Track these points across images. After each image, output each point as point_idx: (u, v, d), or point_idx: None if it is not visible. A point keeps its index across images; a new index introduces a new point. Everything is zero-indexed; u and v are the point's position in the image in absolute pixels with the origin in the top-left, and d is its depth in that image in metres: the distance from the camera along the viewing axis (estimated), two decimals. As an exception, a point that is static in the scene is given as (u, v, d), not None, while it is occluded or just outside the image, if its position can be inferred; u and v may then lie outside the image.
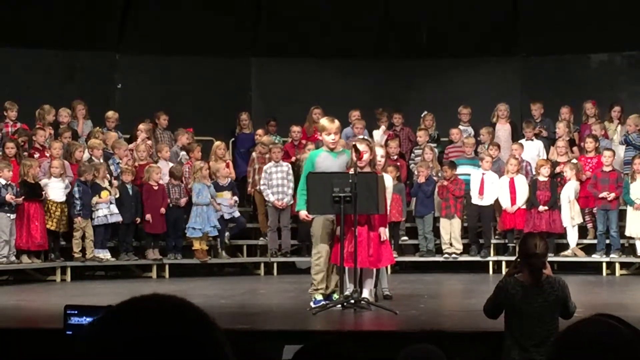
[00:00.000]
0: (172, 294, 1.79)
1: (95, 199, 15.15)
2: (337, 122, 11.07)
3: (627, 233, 15.62)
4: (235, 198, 16.30)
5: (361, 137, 13.56)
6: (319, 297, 10.66)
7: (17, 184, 14.50)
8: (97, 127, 16.63)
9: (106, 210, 15.26)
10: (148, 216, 15.61)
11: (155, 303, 1.76)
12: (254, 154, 16.99)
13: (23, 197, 14.45)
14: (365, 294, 10.64)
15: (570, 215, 15.75)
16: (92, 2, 18.07)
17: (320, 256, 10.70)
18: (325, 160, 10.80)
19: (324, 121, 11.18)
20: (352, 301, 10.27)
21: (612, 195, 15.55)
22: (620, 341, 2.35)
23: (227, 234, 16.27)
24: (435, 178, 16.37)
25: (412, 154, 17.25)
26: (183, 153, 16.82)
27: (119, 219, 15.34)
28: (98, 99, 17.60)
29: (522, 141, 16.94)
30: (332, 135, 10.86)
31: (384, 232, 10.78)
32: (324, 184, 10.24)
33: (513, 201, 16.01)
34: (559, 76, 18.83)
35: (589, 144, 16.24)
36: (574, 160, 16.29)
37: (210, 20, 18.63)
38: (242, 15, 19.17)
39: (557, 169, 16.23)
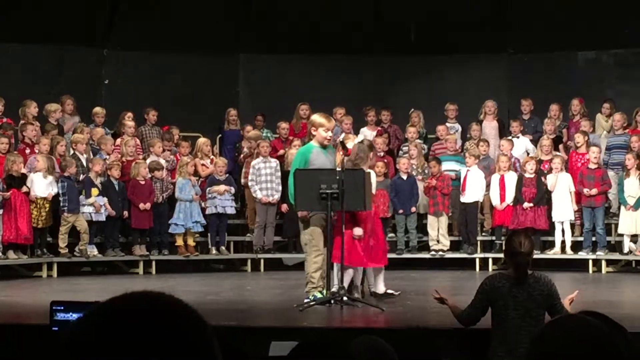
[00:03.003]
0: (160, 291, 1.79)
1: (90, 200, 15.16)
2: (333, 120, 11.09)
3: (620, 230, 15.68)
4: (231, 188, 16.26)
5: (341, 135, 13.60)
6: (319, 294, 10.63)
7: (3, 180, 14.48)
8: (81, 123, 16.60)
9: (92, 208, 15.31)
10: (145, 205, 15.58)
11: (145, 300, 1.76)
12: (245, 148, 16.98)
13: (10, 192, 14.42)
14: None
15: (572, 208, 15.78)
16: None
17: (320, 254, 10.67)
18: (319, 156, 10.77)
19: (321, 118, 11.08)
20: (339, 298, 10.28)
21: (594, 190, 15.59)
22: (596, 338, 2.37)
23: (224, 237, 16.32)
24: (419, 177, 16.40)
25: (400, 151, 17.26)
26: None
27: (103, 217, 15.37)
28: (85, 94, 17.56)
29: (510, 137, 16.97)
30: (330, 132, 10.87)
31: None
32: (311, 180, 10.24)
33: (502, 198, 16.04)
34: (547, 73, 18.88)
35: (579, 139, 16.27)
36: (562, 154, 16.39)
37: (198, 16, 18.60)
38: (230, 11, 19.15)
39: (542, 167, 16.27)
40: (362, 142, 11.50)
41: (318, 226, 10.68)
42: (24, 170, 14.76)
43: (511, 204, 16.02)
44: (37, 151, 15.24)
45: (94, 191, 15.27)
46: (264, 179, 16.10)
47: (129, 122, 16.68)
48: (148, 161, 16.09)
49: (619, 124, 16.58)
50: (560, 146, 17.00)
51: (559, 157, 16.08)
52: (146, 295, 1.76)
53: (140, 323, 1.69)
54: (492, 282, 7.02)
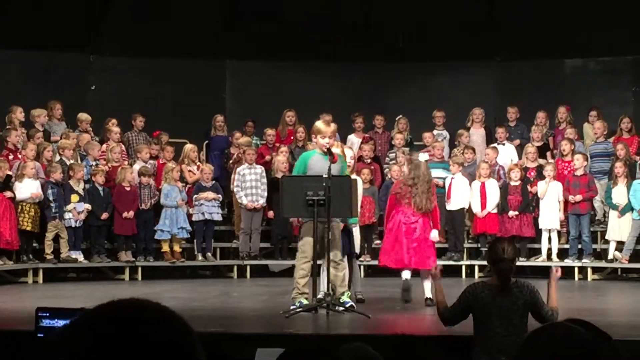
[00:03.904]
0: (146, 299, 1.79)
1: (68, 207, 15.13)
2: (333, 126, 11.00)
3: (607, 237, 15.72)
4: (219, 196, 16.27)
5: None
6: (305, 301, 10.61)
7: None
8: (68, 128, 16.56)
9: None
10: (127, 214, 15.56)
11: (131, 307, 1.75)
12: (235, 154, 16.96)
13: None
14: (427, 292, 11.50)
15: (559, 216, 15.82)
16: (67, 3, 17.98)
17: (307, 260, 10.64)
18: (318, 162, 10.68)
19: (320, 124, 11.08)
20: (325, 304, 10.28)
21: (579, 197, 15.63)
22: (581, 346, 2.37)
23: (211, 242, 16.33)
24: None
25: (387, 158, 17.28)
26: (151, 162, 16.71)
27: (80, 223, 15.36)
28: (72, 100, 17.52)
29: (495, 144, 17.01)
30: (327, 139, 10.80)
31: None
32: (297, 187, 10.24)
33: (484, 206, 16.05)
34: (534, 81, 18.92)
35: (565, 146, 16.31)
36: (551, 160, 16.43)
37: (185, 22, 18.59)
38: (218, 17, 19.14)
39: (527, 174, 16.29)
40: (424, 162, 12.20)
41: (307, 233, 10.64)
42: (9, 172, 14.72)
43: (493, 212, 16.04)
44: (20, 157, 15.20)
45: (74, 197, 15.23)
46: (249, 185, 16.11)
47: (114, 128, 16.65)
48: (139, 166, 16.06)
49: (600, 132, 16.65)
50: (548, 153, 17.03)
51: (550, 164, 16.10)
52: (132, 303, 1.76)
53: (127, 330, 1.69)
54: (474, 291, 7.00)
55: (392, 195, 12.00)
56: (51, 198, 14.93)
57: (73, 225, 15.25)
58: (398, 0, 19.15)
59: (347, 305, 10.55)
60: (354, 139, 17.27)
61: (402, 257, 11.72)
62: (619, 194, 15.56)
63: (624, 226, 15.50)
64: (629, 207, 15.43)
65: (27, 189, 14.75)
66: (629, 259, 15.41)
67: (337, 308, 10.36)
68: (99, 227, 15.56)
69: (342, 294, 10.74)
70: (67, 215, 15.18)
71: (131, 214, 15.59)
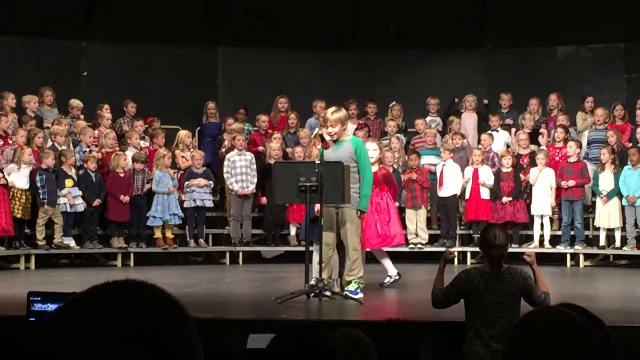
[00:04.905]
0: (143, 280, 1.78)
1: (64, 192, 15.09)
2: (337, 114, 10.81)
3: (596, 224, 15.75)
4: (211, 182, 16.25)
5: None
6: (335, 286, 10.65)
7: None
8: (60, 114, 16.51)
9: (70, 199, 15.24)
10: (124, 197, 15.56)
11: (126, 289, 1.74)
12: (226, 141, 16.94)
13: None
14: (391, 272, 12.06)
15: (550, 203, 15.84)
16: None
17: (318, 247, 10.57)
18: (327, 151, 10.60)
19: (327, 112, 11.10)
20: (318, 290, 10.27)
21: (572, 182, 15.64)
22: (573, 329, 2.38)
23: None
24: (399, 169, 16.40)
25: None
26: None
27: (82, 208, 15.32)
28: (64, 86, 17.47)
29: (490, 131, 17.02)
30: (330, 128, 10.74)
31: None
32: (290, 173, 10.23)
33: (476, 192, 16.05)
34: (526, 68, 18.92)
35: (559, 134, 16.33)
36: (543, 147, 16.44)
37: (178, 8, 18.54)
38: (210, 4, 19.09)
39: (520, 162, 16.31)
40: None
41: (324, 220, 10.45)
42: (3, 163, 14.69)
43: (487, 198, 16.06)
44: (10, 143, 15.16)
45: (68, 182, 15.19)
46: (239, 171, 16.08)
47: (106, 114, 16.61)
48: (132, 152, 16.03)
49: (602, 119, 16.62)
50: (541, 140, 17.02)
51: (542, 151, 16.12)
52: (127, 285, 1.75)
53: (120, 314, 1.68)
54: (467, 277, 7.02)
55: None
56: (39, 184, 14.87)
57: (68, 210, 15.22)
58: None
59: (356, 297, 10.48)
60: (348, 125, 17.24)
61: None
62: (606, 180, 15.59)
63: (612, 213, 15.53)
64: (614, 193, 15.47)
65: (20, 176, 14.71)
66: (620, 245, 15.47)
67: (327, 293, 10.35)
68: (91, 213, 15.54)
69: (348, 282, 10.71)
70: (62, 200, 15.15)
71: (127, 198, 15.58)
